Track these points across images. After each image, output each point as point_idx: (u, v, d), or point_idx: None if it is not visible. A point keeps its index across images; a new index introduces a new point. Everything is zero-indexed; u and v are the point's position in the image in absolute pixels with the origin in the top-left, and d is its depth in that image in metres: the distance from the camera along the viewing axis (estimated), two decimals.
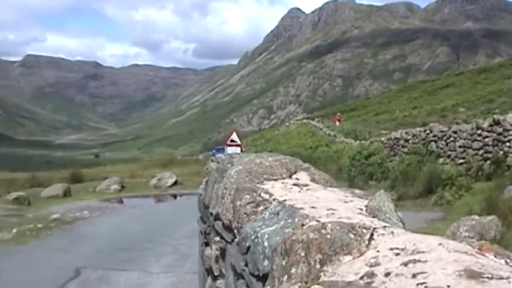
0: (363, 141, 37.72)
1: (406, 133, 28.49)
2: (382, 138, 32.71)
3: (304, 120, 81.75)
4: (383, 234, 2.23)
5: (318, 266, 2.14)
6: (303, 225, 2.46)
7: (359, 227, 2.25)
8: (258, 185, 3.47)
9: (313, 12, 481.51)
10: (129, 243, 15.54)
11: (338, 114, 70.20)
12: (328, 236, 2.18)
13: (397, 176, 23.57)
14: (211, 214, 4.95)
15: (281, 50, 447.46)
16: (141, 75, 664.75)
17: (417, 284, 1.63)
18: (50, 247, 15.09)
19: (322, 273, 2.11)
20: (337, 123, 61.70)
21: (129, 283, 11.27)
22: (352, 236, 2.20)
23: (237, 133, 35.81)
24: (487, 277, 1.62)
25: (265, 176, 3.75)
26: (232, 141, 34.69)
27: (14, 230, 17.68)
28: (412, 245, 2.00)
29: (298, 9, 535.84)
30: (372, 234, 2.24)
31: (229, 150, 35.27)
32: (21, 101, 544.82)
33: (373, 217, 2.63)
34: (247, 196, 3.29)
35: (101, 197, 28.13)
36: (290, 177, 3.86)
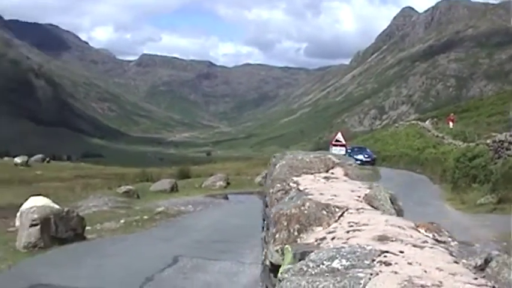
0: (470, 144, 37.17)
1: (511, 135, 28.03)
2: (488, 141, 32.21)
3: (413, 121, 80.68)
4: (352, 213, 2.87)
5: (296, 233, 2.83)
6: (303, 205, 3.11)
7: (333, 206, 2.92)
8: (290, 177, 4.13)
9: (426, 11, 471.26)
10: (227, 236, 16.33)
11: (452, 114, 68.46)
12: (306, 212, 2.87)
13: (498, 178, 23.31)
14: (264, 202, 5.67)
15: (393, 49, 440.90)
16: (253, 75, 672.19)
17: (343, 243, 2.26)
18: (153, 237, 16.10)
19: (298, 239, 2.78)
20: (451, 124, 60.40)
21: (222, 272, 12.01)
22: (325, 212, 2.88)
23: (342, 134, 36.19)
24: (391, 240, 2.21)
25: (304, 170, 4.39)
26: (337, 141, 35.11)
27: (122, 221, 18.87)
28: (366, 220, 2.63)
29: (411, 8, 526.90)
30: (343, 213, 2.87)
31: (334, 150, 35.68)
32: (136, 99, 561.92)
33: (368, 203, 3.23)
34: (278, 185, 3.96)
35: (206, 193, 29.17)
36: (327, 171, 4.46)
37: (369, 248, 2.07)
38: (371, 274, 1.79)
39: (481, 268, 2.05)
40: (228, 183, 32.44)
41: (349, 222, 2.69)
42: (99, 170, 53.32)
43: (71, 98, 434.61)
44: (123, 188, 27.56)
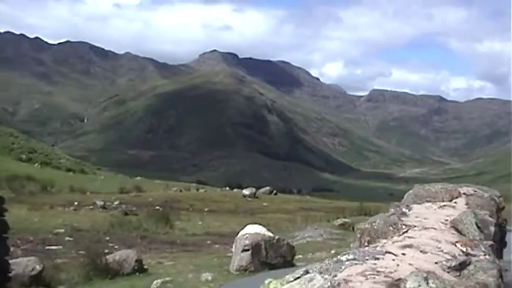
0: None
1: None
2: None
3: None
4: (415, 230, 3.43)
5: (366, 244, 3.45)
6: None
7: (401, 224, 3.50)
8: (408, 203, 4.70)
9: None
10: None
11: None
12: (375, 227, 3.52)
13: None
14: None
15: None
16: (485, 109, 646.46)
17: (382, 249, 2.86)
18: None
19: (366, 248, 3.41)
20: None
21: None
22: (391, 228, 3.49)
23: None
24: (412, 247, 2.79)
25: (427, 199, 4.91)
26: None
27: (333, 251, 19.71)
28: (419, 235, 3.18)
29: None
30: (408, 229, 3.45)
31: None
32: (366, 134, 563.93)
33: (452, 226, 3.72)
34: (392, 209, 4.57)
35: None
36: (450, 200, 4.92)
37: (378, 249, 2.67)
38: (355, 264, 2.38)
39: (455, 269, 2.56)
40: None
41: (405, 237, 3.28)
42: (323, 203, 54.90)
43: (303, 133, 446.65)
44: (339, 221, 28.53)
